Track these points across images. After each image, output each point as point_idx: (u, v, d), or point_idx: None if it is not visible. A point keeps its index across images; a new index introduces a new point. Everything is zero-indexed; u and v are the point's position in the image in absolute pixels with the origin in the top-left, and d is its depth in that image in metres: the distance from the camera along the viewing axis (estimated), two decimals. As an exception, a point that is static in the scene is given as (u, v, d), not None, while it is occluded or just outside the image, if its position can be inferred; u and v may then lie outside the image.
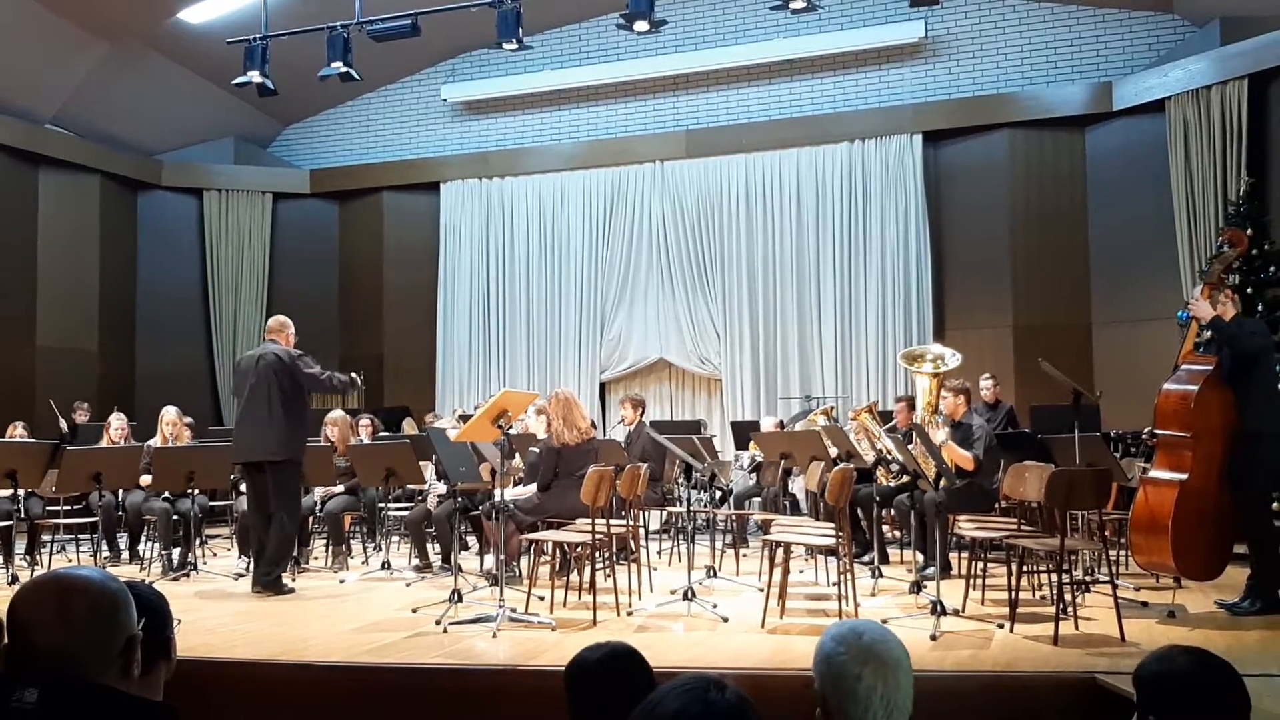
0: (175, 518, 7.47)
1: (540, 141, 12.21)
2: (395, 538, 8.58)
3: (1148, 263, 9.73)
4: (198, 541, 7.81)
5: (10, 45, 10.06)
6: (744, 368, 11.15)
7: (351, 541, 8.31)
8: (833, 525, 5.79)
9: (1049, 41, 10.57)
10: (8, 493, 6.89)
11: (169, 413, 8.00)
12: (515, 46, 8.77)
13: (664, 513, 8.85)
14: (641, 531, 6.97)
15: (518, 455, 7.18)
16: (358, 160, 12.88)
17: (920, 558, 6.59)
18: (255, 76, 9.26)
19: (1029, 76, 10.62)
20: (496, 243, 12.15)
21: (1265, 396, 5.31)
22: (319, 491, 7.93)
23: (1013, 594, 5.19)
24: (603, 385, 11.80)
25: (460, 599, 5.51)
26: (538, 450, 6.68)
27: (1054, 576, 5.22)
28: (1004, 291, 10.46)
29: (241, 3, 10.29)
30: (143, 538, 8.11)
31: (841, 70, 11.18)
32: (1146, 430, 6.43)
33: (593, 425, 6.86)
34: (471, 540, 8.12)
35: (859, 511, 7.55)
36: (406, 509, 8.00)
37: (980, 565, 6.04)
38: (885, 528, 7.86)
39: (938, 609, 4.99)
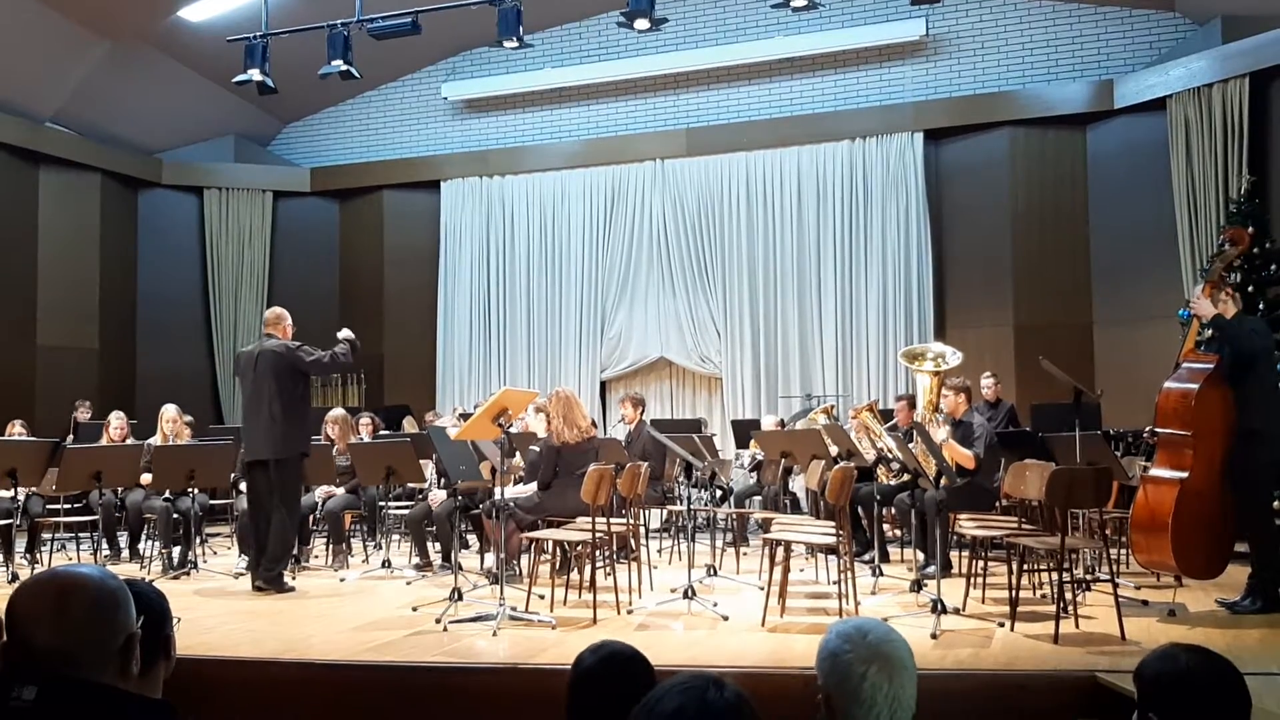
0: (175, 516, 7.47)
1: (541, 140, 12.20)
2: (395, 536, 8.58)
3: (1149, 261, 9.72)
4: (198, 540, 7.81)
5: (10, 44, 10.05)
6: (744, 366, 11.15)
7: (352, 540, 8.31)
8: (833, 524, 5.79)
9: (1050, 40, 10.56)
10: (9, 493, 6.88)
11: (169, 410, 8.00)
12: (516, 45, 8.76)
13: (664, 511, 8.85)
14: (642, 530, 6.97)
15: (518, 454, 7.18)
16: (358, 159, 12.88)
17: (921, 556, 6.59)
18: (256, 75, 9.25)
19: (1030, 75, 10.61)
20: (497, 241, 12.15)
21: (1265, 395, 5.31)
22: (319, 490, 7.92)
23: (1013, 593, 5.19)
24: (603, 384, 11.79)
25: (460, 597, 5.51)
26: (538, 449, 6.68)
27: (1054, 575, 5.22)
28: (1005, 290, 10.46)
29: (242, 1, 10.29)
30: (143, 536, 8.12)
31: (842, 68, 11.18)
32: (1147, 429, 6.42)
33: (593, 424, 6.86)
34: (472, 539, 8.12)
35: (859, 510, 7.55)
36: (407, 507, 8.00)
37: (981, 564, 6.03)
38: (886, 526, 7.86)
39: (938, 607, 4.99)
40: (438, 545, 7.60)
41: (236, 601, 6.16)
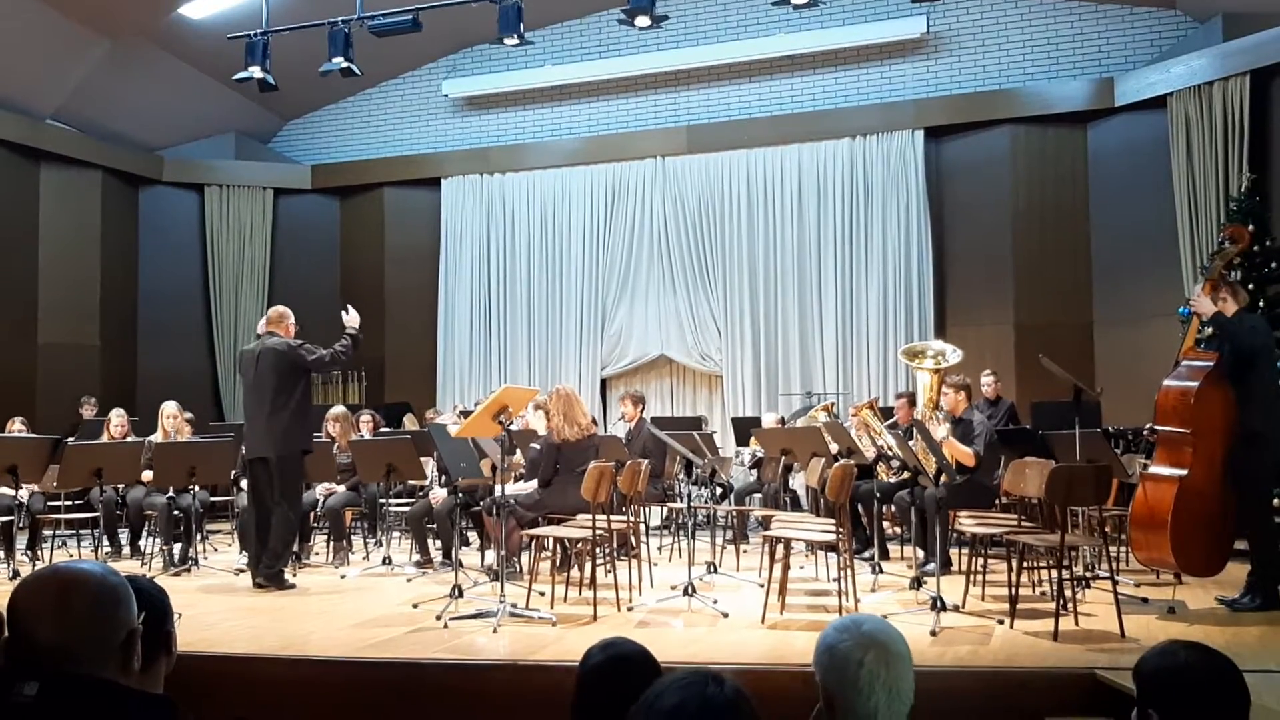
0: (176, 513, 7.48)
1: (541, 137, 12.20)
2: (396, 533, 8.59)
3: (1149, 259, 9.72)
4: (199, 536, 7.82)
5: (11, 41, 10.05)
6: (745, 364, 11.14)
7: (352, 537, 8.32)
8: (833, 521, 5.79)
9: (1051, 37, 10.55)
10: (10, 490, 6.89)
11: (168, 407, 8.01)
12: (517, 42, 8.77)
13: (664, 509, 8.86)
14: (642, 527, 6.98)
15: (518, 451, 7.19)
16: (359, 156, 12.87)
17: (920, 554, 6.59)
18: (256, 72, 9.25)
19: (1031, 72, 10.60)
20: (498, 238, 12.15)
21: (1266, 393, 5.31)
22: (320, 488, 7.93)
23: (1013, 590, 5.20)
24: (604, 381, 11.79)
25: (461, 594, 5.52)
26: (538, 446, 6.69)
27: (1054, 572, 5.23)
28: (1005, 287, 10.45)
29: (242, -2, 10.29)
30: (144, 533, 8.13)
31: (843, 66, 11.17)
32: (1147, 426, 6.42)
33: (593, 421, 6.86)
34: (472, 536, 8.13)
35: (859, 507, 7.56)
36: (407, 505, 8.00)
37: (980, 561, 6.04)
38: (886, 524, 7.86)
39: (938, 605, 5.00)
40: (438, 542, 7.61)
41: (237, 598, 6.17)
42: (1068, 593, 5.05)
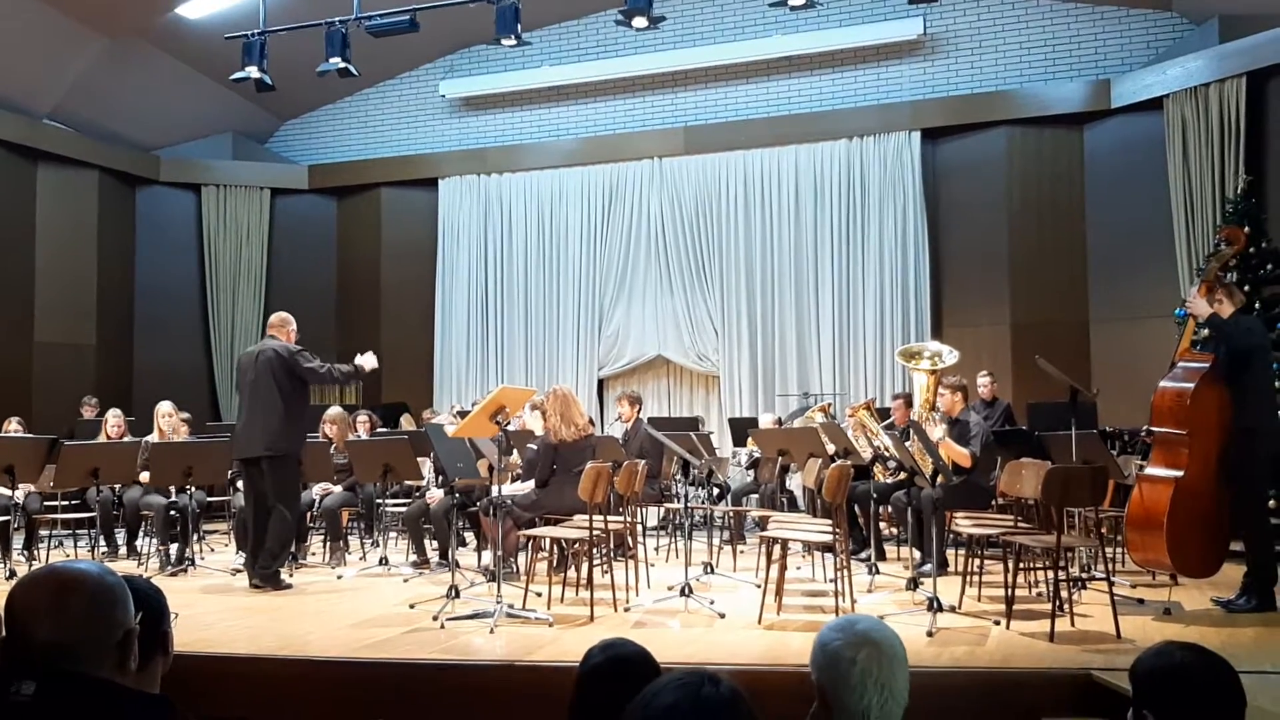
0: (173, 513, 7.47)
1: (539, 138, 12.20)
2: (393, 534, 8.58)
3: (1145, 260, 9.73)
4: (195, 537, 7.81)
5: (8, 40, 10.04)
6: (742, 364, 11.15)
7: (349, 537, 8.32)
8: (830, 522, 5.79)
9: (1047, 39, 10.57)
10: (7, 491, 6.89)
11: (164, 406, 8.00)
12: (514, 42, 8.76)
13: (661, 509, 8.86)
14: (639, 528, 6.98)
15: (515, 451, 7.19)
16: (356, 156, 12.86)
17: (917, 554, 6.60)
18: (253, 72, 9.24)
19: (1027, 74, 10.62)
20: (495, 239, 12.15)
21: (1261, 393, 5.33)
22: (317, 488, 7.93)
23: (1009, 591, 5.20)
24: (600, 382, 11.80)
25: (457, 595, 5.52)
26: (535, 446, 6.69)
27: (1050, 573, 5.23)
28: (1002, 288, 10.47)
29: (240, -2, 10.28)
30: (140, 533, 8.11)
31: (840, 67, 11.18)
32: (1143, 428, 6.43)
33: (590, 422, 6.87)
34: (469, 536, 8.13)
35: (856, 508, 7.56)
36: (404, 505, 8.00)
37: (977, 562, 6.05)
38: (882, 524, 7.87)
39: (934, 605, 5.00)
40: (435, 543, 7.61)
41: (234, 598, 6.17)
42: (1064, 593, 5.06)
